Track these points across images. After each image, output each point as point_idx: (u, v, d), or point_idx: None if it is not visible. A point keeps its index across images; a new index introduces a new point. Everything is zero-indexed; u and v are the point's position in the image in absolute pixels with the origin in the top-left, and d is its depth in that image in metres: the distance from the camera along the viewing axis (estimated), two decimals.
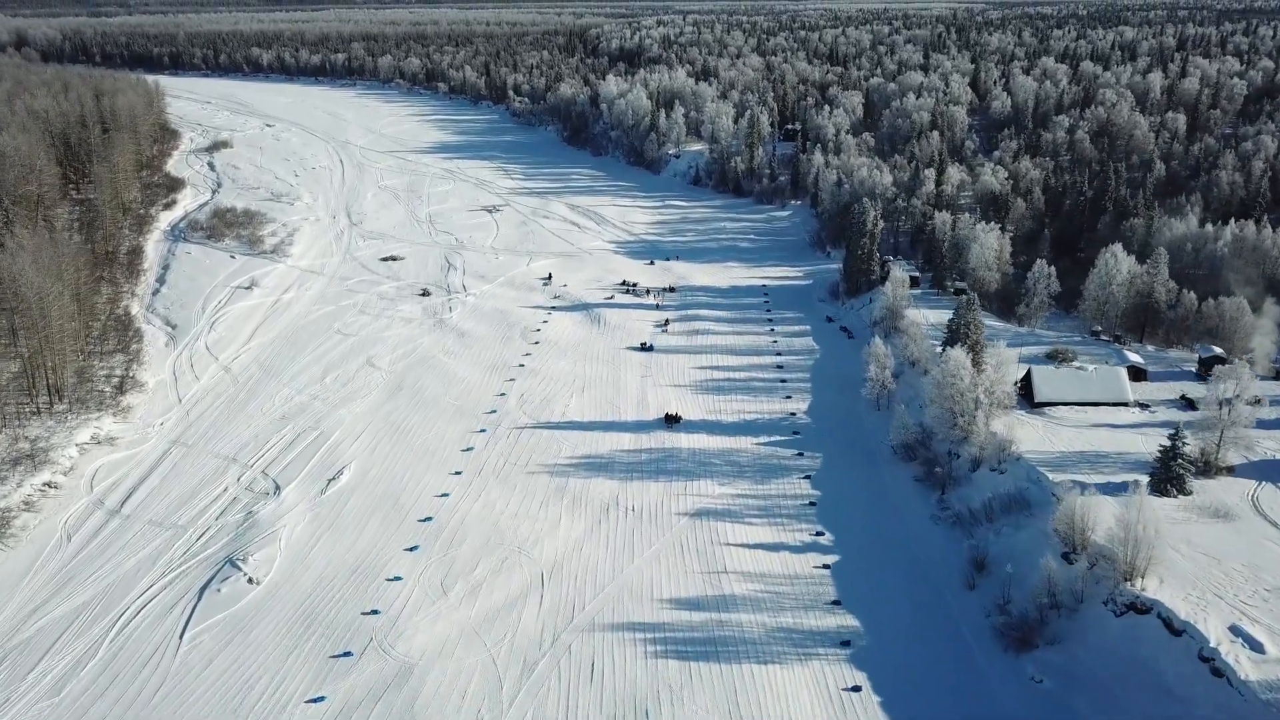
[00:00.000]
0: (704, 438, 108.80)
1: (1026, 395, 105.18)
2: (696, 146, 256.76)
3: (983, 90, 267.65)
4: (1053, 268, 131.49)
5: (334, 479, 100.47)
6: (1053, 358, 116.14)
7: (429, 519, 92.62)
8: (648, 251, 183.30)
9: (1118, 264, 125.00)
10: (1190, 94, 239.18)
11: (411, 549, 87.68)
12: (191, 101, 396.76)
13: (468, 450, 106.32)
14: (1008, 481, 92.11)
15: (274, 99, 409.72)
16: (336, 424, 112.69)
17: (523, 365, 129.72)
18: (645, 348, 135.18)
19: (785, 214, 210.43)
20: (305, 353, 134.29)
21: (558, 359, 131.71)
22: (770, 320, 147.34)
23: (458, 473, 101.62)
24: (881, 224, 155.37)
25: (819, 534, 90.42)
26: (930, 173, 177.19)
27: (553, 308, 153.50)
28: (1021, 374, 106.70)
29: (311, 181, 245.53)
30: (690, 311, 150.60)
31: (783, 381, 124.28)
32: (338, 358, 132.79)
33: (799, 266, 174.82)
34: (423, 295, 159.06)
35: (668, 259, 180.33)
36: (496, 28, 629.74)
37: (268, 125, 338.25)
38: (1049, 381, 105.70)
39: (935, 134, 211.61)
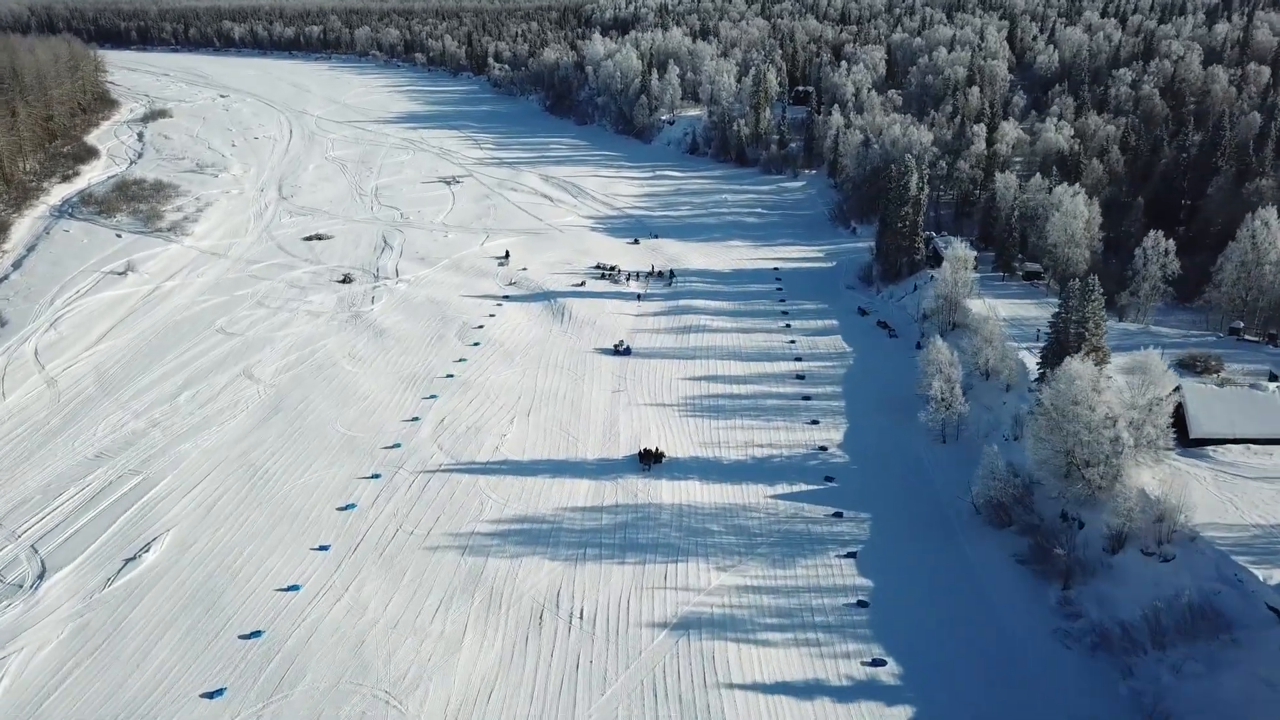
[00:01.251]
0: (695, 486, 73.71)
1: (1174, 427, 69.72)
2: (693, 112, 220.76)
3: (1021, 48, 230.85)
4: (1170, 241, 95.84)
5: (133, 559, 65.33)
6: (1190, 367, 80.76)
7: (256, 634, 57.58)
8: (633, 229, 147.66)
9: (1270, 236, 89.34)
10: (1267, 46, 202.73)
11: (212, 694, 52.83)
12: (149, 74, 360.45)
13: (347, 509, 71.24)
14: (1179, 576, 56.76)
15: (239, 72, 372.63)
16: (171, 465, 77.49)
17: (452, 375, 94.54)
18: (620, 350, 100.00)
19: (798, 185, 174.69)
20: (166, 359, 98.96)
21: (502, 366, 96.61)
22: (786, 313, 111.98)
23: (323, 548, 66.43)
24: (926, 189, 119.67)
25: (877, 663, 55.29)
26: (979, 129, 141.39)
27: (505, 297, 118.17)
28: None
29: (249, 152, 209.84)
30: (682, 302, 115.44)
31: (806, 399, 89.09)
32: (207, 366, 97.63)
33: (818, 245, 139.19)
34: (343, 282, 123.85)
35: (655, 236, 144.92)
36: (488, 3, 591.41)
37: (221, 96, 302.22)
38: (1210, 407, 69.89)
39: (975, 90, 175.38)
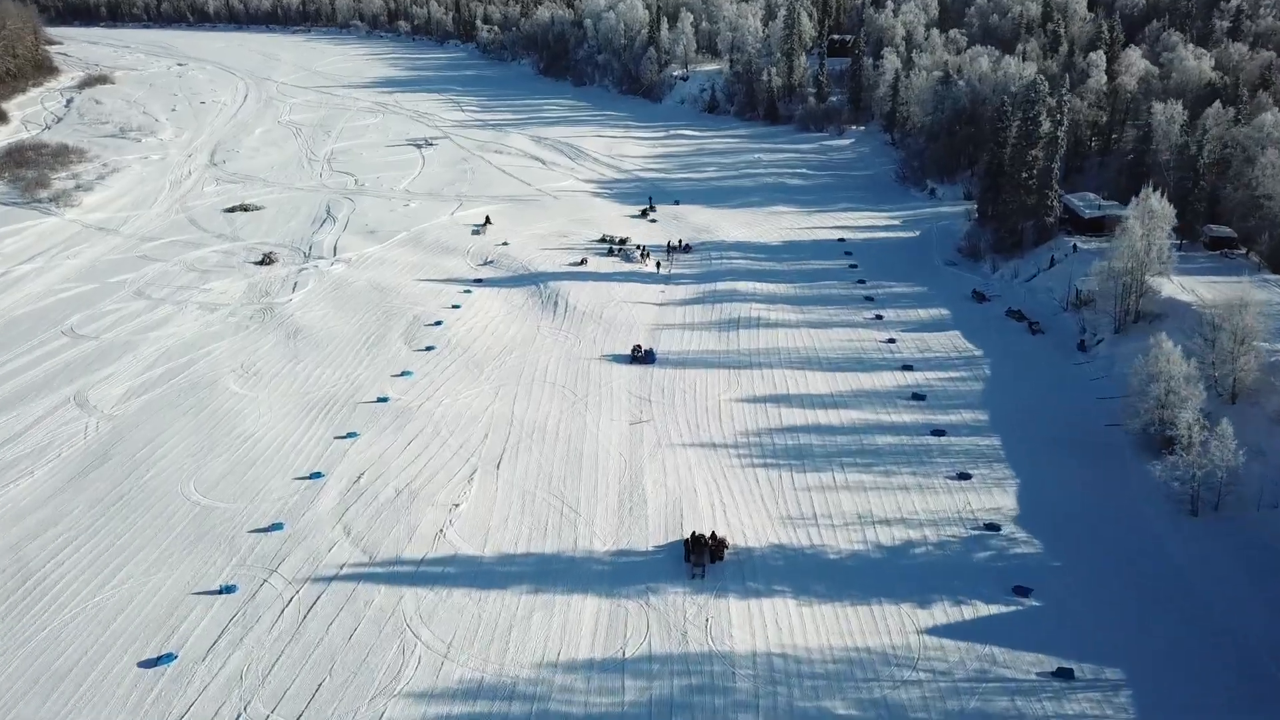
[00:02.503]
0: (790, 613, 40.43)
1: None
2: (710, 66, 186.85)
3: None
4: None
5: None
6: None
7: None
8: (646, 194, 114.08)
9: None
10: None
11: None
12: (111, 46, 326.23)
13: (158, 664, 38.00)
14: None
15: (208, 44, 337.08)
16: None
17: (386, 400, 61.41)
18: (640, 357, 67.04)
19: (845, 143, 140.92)
20: None
21: (463, 383, 63.55)
22: (871, 300, 78.65)
23: None
24: (1065, 123, 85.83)
25: None
26: (1097, 57, 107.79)
27: (477, 281, 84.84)
28: None
29: (189, 117, 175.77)
30: (722, 285, 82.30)
31: (938, 435, 56.03)
32: (26, 386, 64.43)
33: (888, 211, 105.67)
34: (261, 264, 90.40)
35: (676, 203, 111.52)
36: None
37: (179, 65, 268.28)
38: None
39: (1082, 9, 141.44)
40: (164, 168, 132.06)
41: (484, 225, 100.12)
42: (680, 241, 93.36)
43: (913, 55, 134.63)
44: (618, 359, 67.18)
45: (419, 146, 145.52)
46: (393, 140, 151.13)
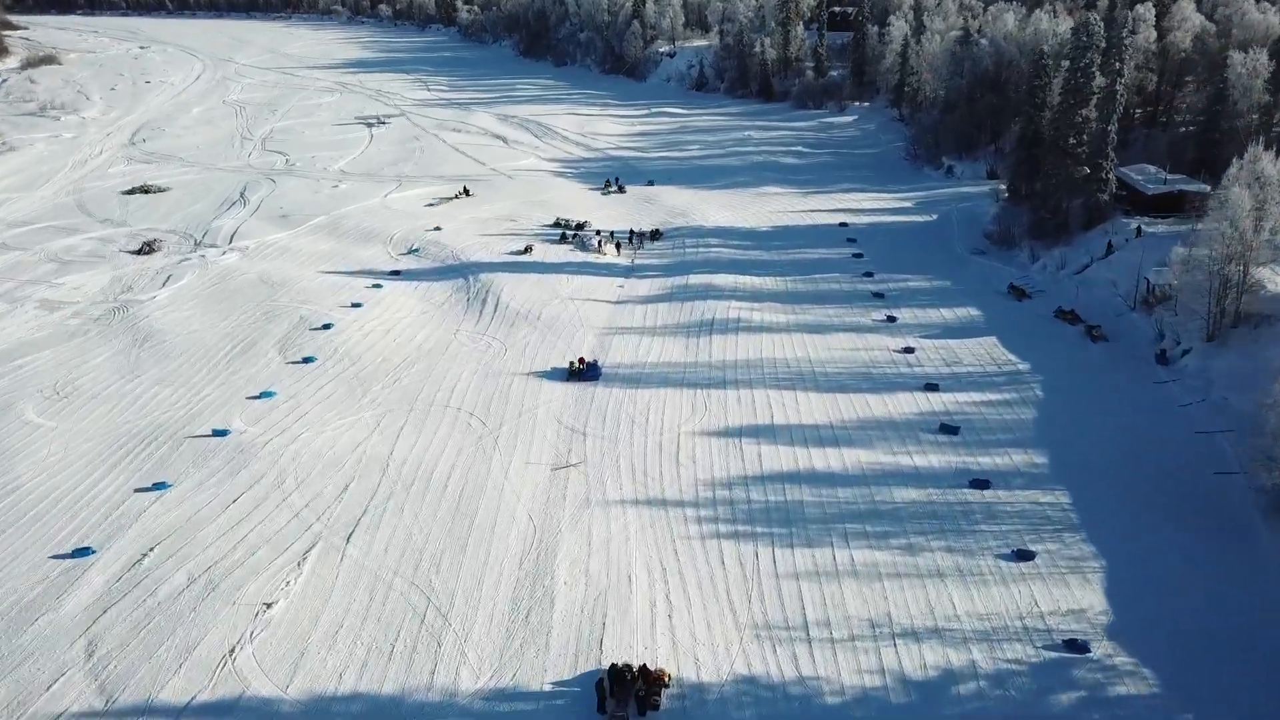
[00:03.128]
0: None
1: None
2: (700, 42, 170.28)
3: None
4: None
5: None
6: None
7: None
8: (616, 173, 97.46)
9: None
10: None
11: None
12: (79, 32, 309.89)
13: None
14: None
15: (182, 29, 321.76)
16: None
17: (226, 432, 44.55)
18: (581, 371, 50.75)
19: (847, 119, 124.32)
20: None
21: (338, 409, 46.49)
22: (881, 296, 61.98)
23: None
24: (1124, 75, 69.16)
25: None
26: (1144, 10, 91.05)
27: (394, 273, 67.91)
28: None
29: (128, 97, 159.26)
30: (695, 279, 65.82)
31: (979, 487, 39.74)
32: None
33: (898, 192, 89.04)
34: (140, 253, 73.60)
35: (650, 183, 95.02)
36: None
37: (141, 48, 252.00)
38: None
39: None
40: (73, 146, 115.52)
41: (458, 198, 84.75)
42: (651, 231, 76.87)
43: (924, 19, 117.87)
44: (552, 375, 50.77)
45: (369, 125, 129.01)
46: (342, 119, 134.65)
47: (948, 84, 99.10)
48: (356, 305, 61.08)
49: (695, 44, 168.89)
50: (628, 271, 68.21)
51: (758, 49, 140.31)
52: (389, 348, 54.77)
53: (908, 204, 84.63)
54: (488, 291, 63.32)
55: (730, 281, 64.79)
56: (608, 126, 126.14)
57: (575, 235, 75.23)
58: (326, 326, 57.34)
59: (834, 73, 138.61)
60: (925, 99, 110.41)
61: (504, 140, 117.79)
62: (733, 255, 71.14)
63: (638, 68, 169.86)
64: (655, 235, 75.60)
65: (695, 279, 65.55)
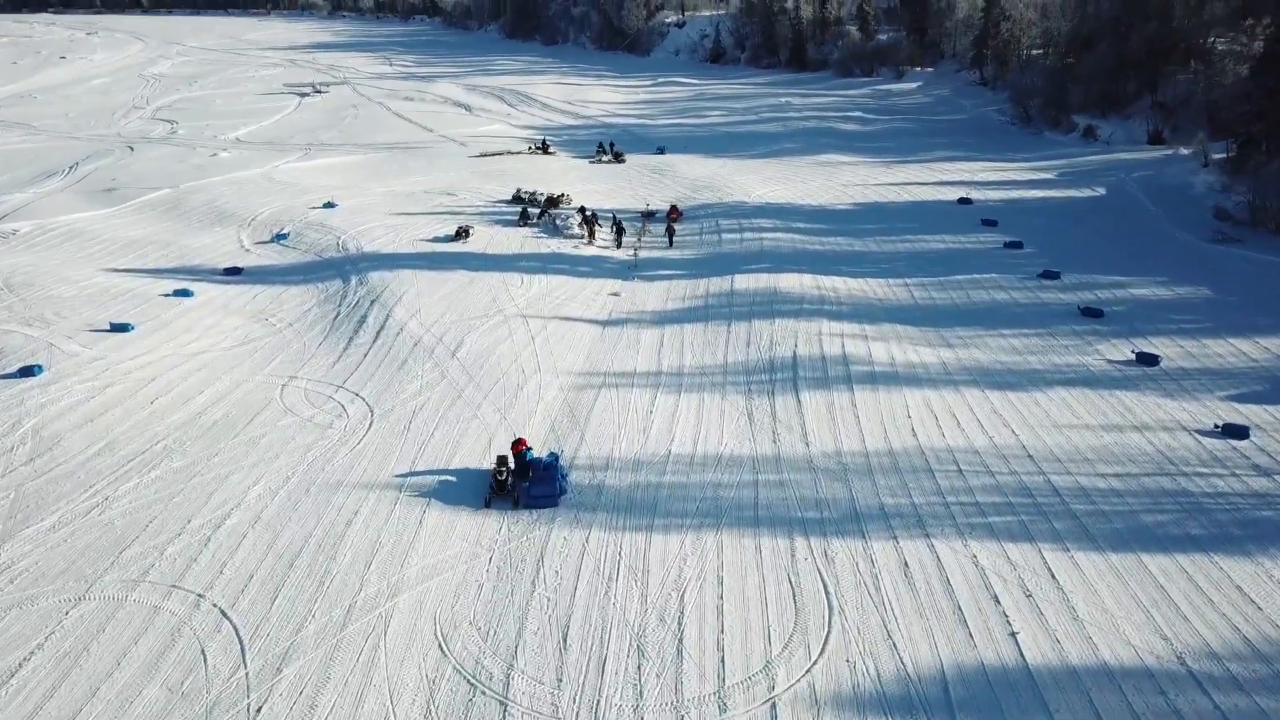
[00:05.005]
0: None
1: None
2: (713, 12, 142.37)
3: None
4: None
5: None
6: None
7: None
8: (612, 139, 68.92)
9: None
10: None
11: None
12: (34, 24, 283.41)
13: None
14: None
15: (147, 23, 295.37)
16: None
17: None
18: (514, 483, 21.94)
19: (908, 86, 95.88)
20: None
21: None
22: (1091, 313, 33.14)
23: None
24: None
25: None
26: None
27: (230, 270, 38.78)
28: None
29: (30, 69, 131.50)
30: (740, 282, 36.92)
31: None
32: None
33: (1023, 161, 59.98)
34: None
35: (660, 151, 66.56)
36: None
37: (88, 34, 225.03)
38: None
39: None
40: None
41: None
42: (669, 209, 48.37)
43: None
44: (450, 491, 22.28)
45: (302, 95, 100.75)
46: (271, 90, 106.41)
47: (1074, 23, 70.80)
48: (123, 329, 32.45)
49: (708, 14, 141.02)
50: (628, 270, 39.64)
51: (790, 5, 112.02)
52: (134, 419, 26.14)
53: (1047, 175, 55.97)
54: (373, 302, 34.73)
55: (809, 285, 36.13)
56: (603, 95, 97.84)
57: (545, 214, 46.72)
58: (27, 373, 28.69)
59: (881, 37, 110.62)
60: (1023, 51, 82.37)
61: (467, 108, 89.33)
62: (803, 244, 42.48)
63: (640, 41, 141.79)
64: (671, 218, 46.88)
65: (745, 281, 36.90)
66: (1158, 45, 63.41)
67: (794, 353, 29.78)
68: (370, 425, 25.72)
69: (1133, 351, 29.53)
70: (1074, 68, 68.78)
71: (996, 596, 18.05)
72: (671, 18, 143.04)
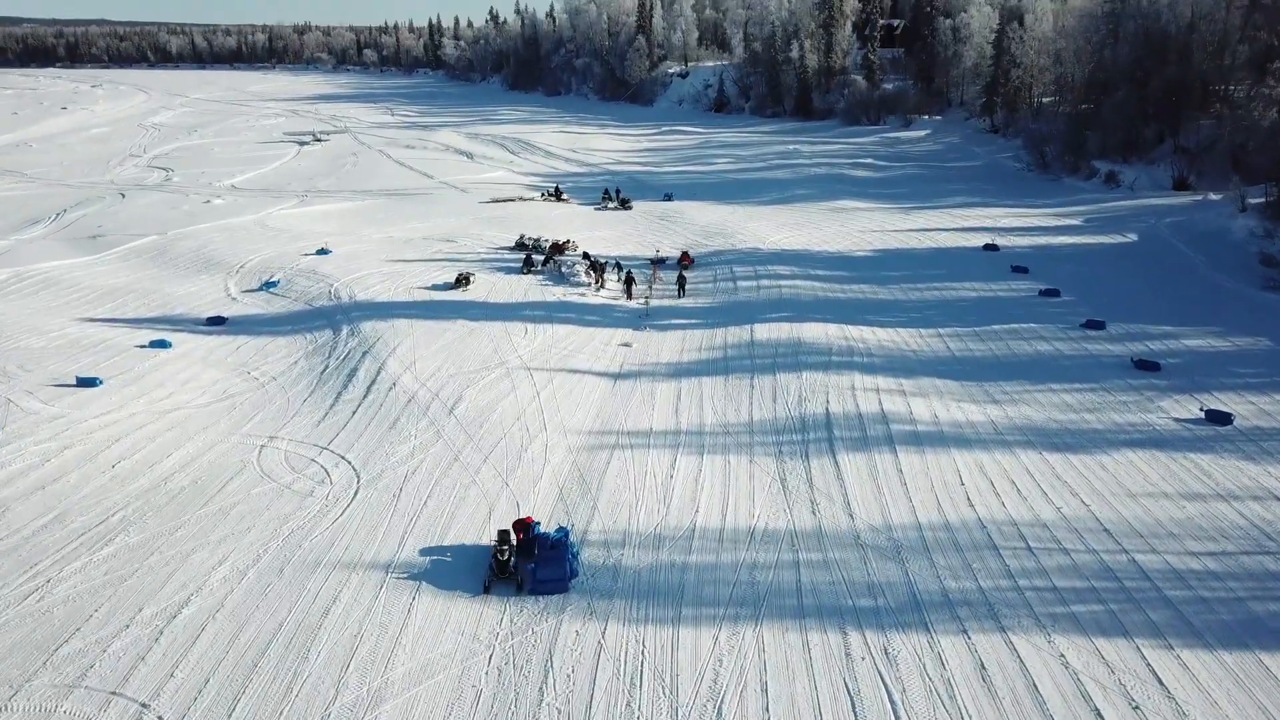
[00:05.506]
0: None
1: None
2: (717, 62, 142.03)
3: None
4: None
5: None
6: None
7: None
8: (618, 186, 66.96)
9: None
10: None
11: None
12: (42, 79, 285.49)
13: None
14: None
15: (153, 77, 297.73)
16: None
17: None
18: (517, 564, 18.89)
19: (917, 134, 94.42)
20: None
21: None
22: (1147, 365, 30.34)
23: None
24: None
25: None
26: None
27: (213, 320, 36.13)
28: None
29: (29, 120, 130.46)
30: (766, 330, 34.22)
31: None
32: None
33: (1045, 207, 57.65)
34: None
35: (667, 198, 64.49)
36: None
37: (92, 86, 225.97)
38: None
39: None
40: None
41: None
42: (681, 256, 45.98)
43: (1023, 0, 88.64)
44: (445, 574, 19.35)
45: (301, 143, 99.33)
46: (270, 138, 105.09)
47: (1092, 65, 69.14)
48: (88, 383, 29.71)
49: (711, 64, 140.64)
50: (639, 319, 37.02)
51: (794, 54, 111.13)
52: (91, 486, 23.25)
53: (1072, 221, 53.68)
54: (365, 354, 32.05)
55: (835, 335, 33.48)
56: (606, 143, 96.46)
57: (550, 261, 44.25)
58: None
59: (886, 86, 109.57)
60: (1034, 99, 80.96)
61: (468, 155, 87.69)
62: (824, 291, 39.91)
63: (643, 91, 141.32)
64: (682, 265, 44.43)
65: (766, 330, 34.25)
66: (1178, 90, 61.66)
67: (826, 409, 27.00)
68: (356, 493, 22.83)
69: (1201, 409, 26.73)
70: (1091, 114, 67.00)
71: (1098, 710, 15.01)
72: (674, 68, 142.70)
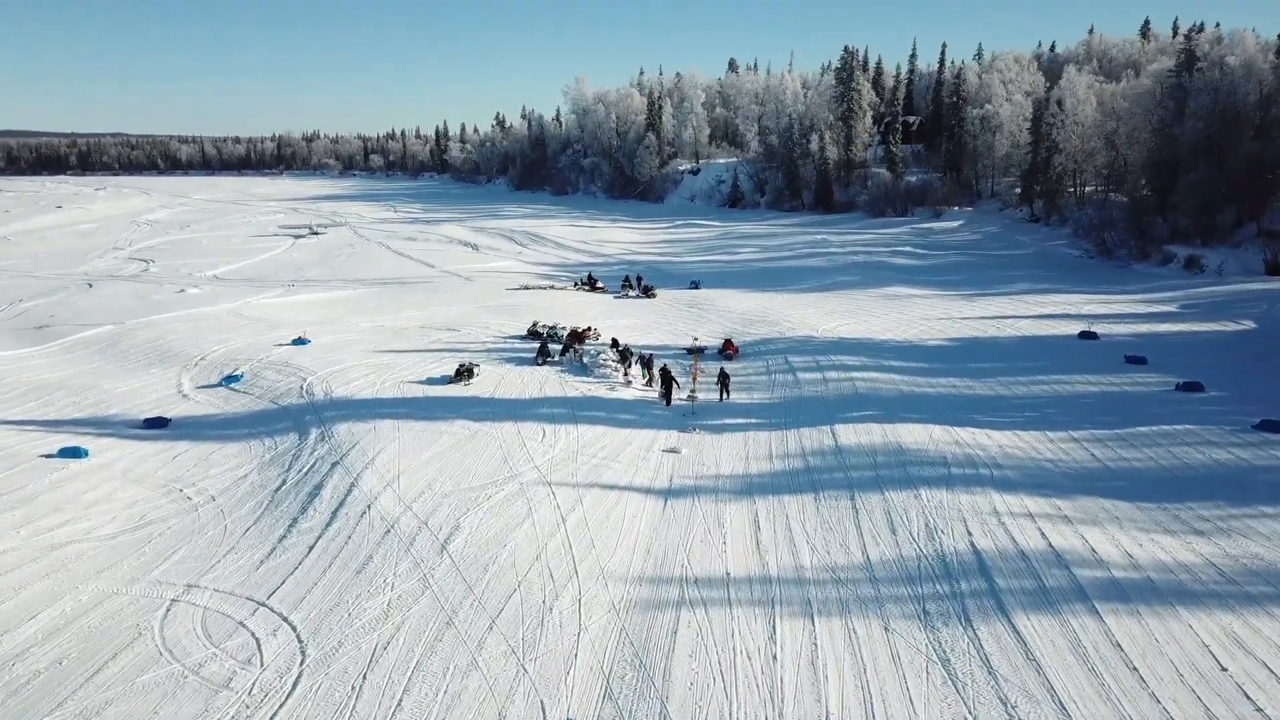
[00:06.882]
0: None
1: None
2: (729, 159, 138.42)
3: None
4: None
5: None
6: None
7: None
8: (639, 274, 60.50)
9: None
10: None
11: None
12: (48, 184, 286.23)
13: None
14: None
15: (161, 182, 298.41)
16: None
17: None
18: None
19: (950, 225, 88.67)
20: None
21: None
22: None
23: None
24: None
25: None
26: None
27: (151, 421, 29.01)
28: None
29: (18, 218, 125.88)
30: (849, 433, 26.17)
31: None
32: None
33: (1123, 295, 51.13)
34: None
35: (694, 285, 57.95)
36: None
37: (98, 189, 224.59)
38: None
39: None
40: None
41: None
42: (724, 344, 38.94)
43: (1060, 85, 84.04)
44: None
45: (297, 236, 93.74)
46: (264, 232, 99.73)
47: (1151, 146, 63.50)
48: None
49: (723, 160, 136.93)
50: (685, 418, 29.56)
51: (814, 147, 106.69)
52: None
53: (1166, 308, 46.80)
54: (334, 464, 24.50)
55: (943, 440, 25.94)
56: (619, 235, 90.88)
57: (570, 350, 37.04)
58: None
59: (910, 178, 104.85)
60: (1079, 185, 75.51)
61: (473, 247, 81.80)
62: (908, 386, 32.50)
63: (653, 188, 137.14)
64: (731, 351, 37.31)
65: (852, 434, 26.74)
66: (1260, 167, 55.73)
67: (971, 544, 19.29)
68: (297, 680, 14.98)
69: None
70: (1155, 197, 61.01)
71: None
72: (685, 165, 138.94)
